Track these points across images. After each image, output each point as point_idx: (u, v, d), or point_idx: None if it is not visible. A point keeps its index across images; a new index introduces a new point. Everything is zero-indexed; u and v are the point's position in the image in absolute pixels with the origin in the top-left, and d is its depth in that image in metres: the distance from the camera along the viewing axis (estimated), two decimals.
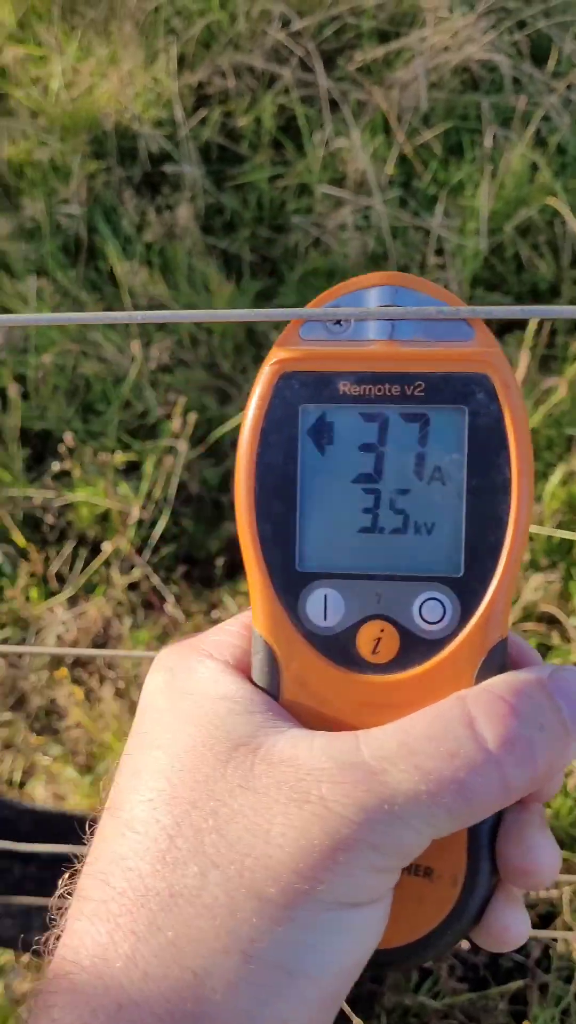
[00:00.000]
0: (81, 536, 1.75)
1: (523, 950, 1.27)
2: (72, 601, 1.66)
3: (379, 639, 0.36)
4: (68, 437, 1.57)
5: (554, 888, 1.31)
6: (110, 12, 2.36)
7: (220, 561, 1.74)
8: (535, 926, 1.30)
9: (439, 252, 2.00)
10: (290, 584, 0.36)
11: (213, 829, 0.31)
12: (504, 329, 1.97)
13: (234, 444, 1.86)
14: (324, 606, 0.36)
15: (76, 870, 0.35)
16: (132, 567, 1.68)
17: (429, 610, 0.35)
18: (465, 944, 1.22)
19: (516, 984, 1.18)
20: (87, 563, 1.70)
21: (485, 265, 2.00)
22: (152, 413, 1.86)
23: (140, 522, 1.73)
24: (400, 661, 0.35)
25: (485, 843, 0.36)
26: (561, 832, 1.36)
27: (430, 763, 0.31)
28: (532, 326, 1.73)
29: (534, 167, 2.04)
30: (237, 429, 1.83)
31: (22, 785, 1.46)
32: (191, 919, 0.30)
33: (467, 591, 0.35)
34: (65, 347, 1.92)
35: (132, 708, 1.45)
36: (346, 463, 0.36)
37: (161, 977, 0.29)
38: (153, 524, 1.75)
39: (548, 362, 1.89)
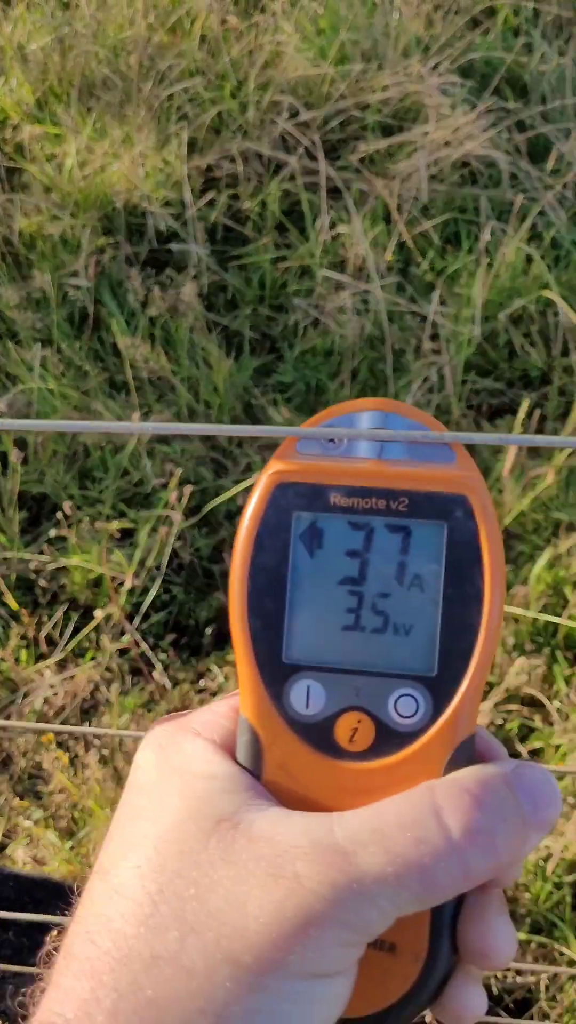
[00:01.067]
0: (73, 600, 1.77)
1: None
2: (61, 665, 1.67)
3: (356, 729, 0.38)
4: (67, 505, 1.60)
5: (531, 975, 1.31)
6: (125, 96, 2.46)
7: (209, 630, 1.76)
8: (512, 1014, 1.29)
9: (434, 338, 2.06)
10: (276, 674, 0.38)
11: (194, 898, 0.33)
12: (495, 414, 2.03)
13: (228, 515, 1.89)
14: (307, 696, 0.38)
15: (64, 928, 0.37)
16: (122, 633, 1.70)
17: (404, 705, 0.38)
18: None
19: None
20: (78, 628, 1.72)
21: (478, 351, 2.06)
22: (148, 482, 1.89)
23: (132, 589, 1.75)
24: (375, 750, 0.38)
25: (447, 923, 0.38)
26: (539, 917, 1.36)
27: (398, 848, 0.33)
28: (521, 414, 1.78)
29: (529, 259, 2.11)
30: (231, 500, 1.87)
31: (2, 848, 1.46)
32: (170, 980, 0.32)
33: (439, 689, 0.37)
34: (67, 414, 1.96)
35: (116, 775, 1.46)
36: (333, 567, 0.39)
37: None
38: (145, 591, 1.77)
39: (538, 449, 1.94)
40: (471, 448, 1.94)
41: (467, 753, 0.38)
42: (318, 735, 0.38)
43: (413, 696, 0.38)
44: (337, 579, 0.38)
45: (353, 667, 0.38)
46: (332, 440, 0.39)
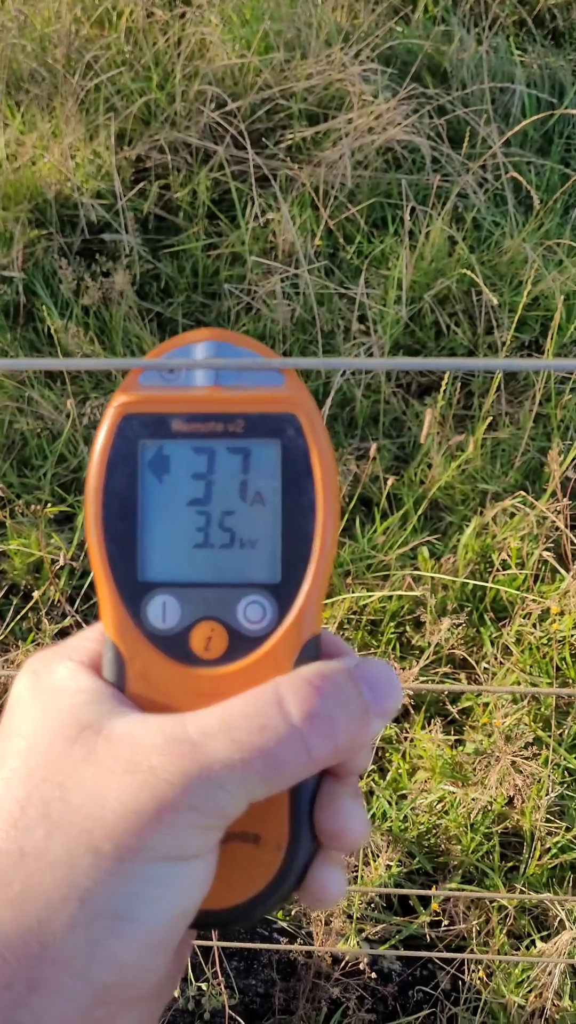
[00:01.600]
0: (13, 585, 1.80)
1: (432, 982, 1.32)
2: (3, 648, 1.70)
3: (210, 637, 0.41)
4: (0, 487, 1.63)
5: (462, 922, 1.37)
6: (53, 89, 2.48)
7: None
8: (444, 959, 1.35)
9: (362, 319, 2.11)
10: (133, 593, 0.41)
11: (59, 798, 0.36)
12: (424, 392, 2.08)
13: None
14: (163, 610, 0.41)
15: None
16: (63, 616, 1.73)
17: (252, 611, 0.41)
18: (374, 975, 1.26)
19: (424, 1014, 1.23)
20: (18, 612, 1.75)
21: (406, 331, 2.11)
22: (85, 468, 1.92)
23: (72, 572, 1.78)
24: (228, 656, 0.41)
25: (305, 812, 0.41)
26: (471, 867, 1.41)
27: (243, 736, 0.36)
28: (443, 386, 1.83)
29: (452, 241, 2.17)
30: None
31: None
32: (36, 874, 0.35)
33: (283, 595, 0.41)
34: (2, 403, 1.98)
35: None
36: (181, 489, 0.42)
37: (10, 924, 0.34)
38: (84, 574, 1.80)
39: (464, 421, 2.00)
40: (399, 422, 1.98)
41: (313, 652, 0.41)
42: (175, 646, 0.41)
43: (260, 603, 0.41)
44: (185, 501, 0.41)
45: (204, 581, 0.41)
46: (171, 371, 0.42)
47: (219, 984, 1.07)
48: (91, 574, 1.77)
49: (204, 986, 1.09)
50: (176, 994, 1.12)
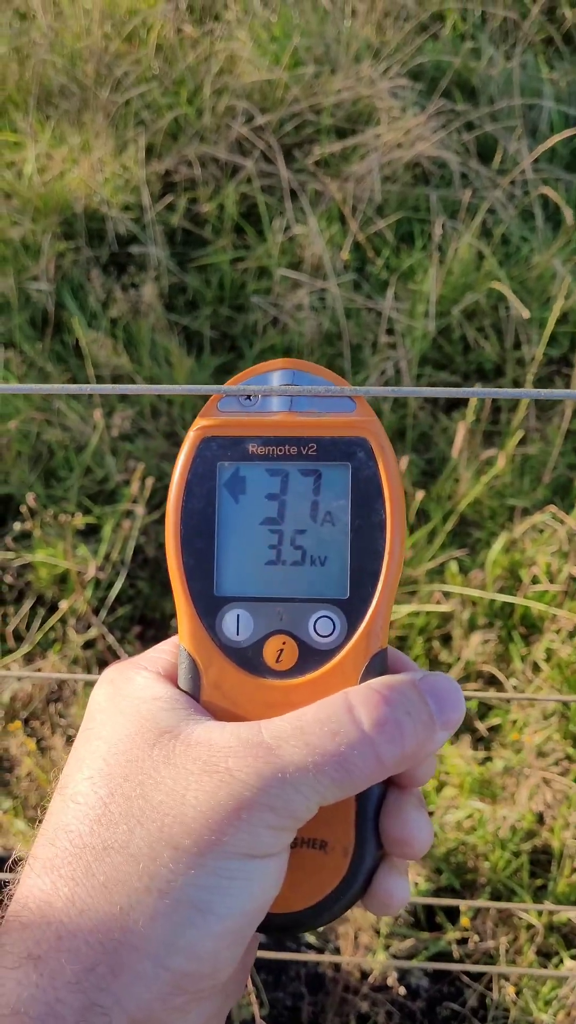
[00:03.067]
0: (39, 596, 1.80)
1: (460, 998, 1.30)
2: (28, 658, 1.70)
3: (282, 650, 0.43)
4: (30, 497, 1.63)
5: (490, 939, 1.35)
6: (83, 104, 2.50)
7: (174, 622, 1.79)
8: (471, 976, 1.33)
9: (390, 332, 2.11)
10: (209, 606, 0.43)
11: (140, 796, 0.38)
12: (451, 406, 2.08)
13: None
14: (237, 624, 0.43)
15: (28, 852, 0.41)
16: (89, 626, 1.73)
17: (322, 626, 0.43)
18: (402, 990, 1.25)
19: None
20: (44, 622, 1.75)
21: (433, 345, 2.11)
22: (112, 479, 1.92)
23: (97, 583, 1.78)
24: (299, 668, 0.43)
25: (371, 819, 0.42)
26: (499, 884, 1.40)
27: (316, 741, 0.38)
28: (473, 403, 1.83)
29: (480, 255, 2.17)
30: None
31: None
32: (119, 866, 0.36)
33: (352, 610, 0.43)
34: (30, 415, 1.99)
35: None
36: (255, 509, 0.44)
37: (94, 912, 0.36)
38: (110, 586, 1.80)
39: (492, 437, 1.99)
40: (427, 437, 1.98)
41: (379, 665, 0.43)
42: (248, 658, 0.43)
43: (330, 617, 0.43)
44: (259, 520, 0.44)
45: (276, 596, 0.43)
46: (248, 397, 0.44)
47: (250, 994, 1.07)
48: (120, 587, 1.78)
49: None
50: None
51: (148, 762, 0.39)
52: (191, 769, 0.38)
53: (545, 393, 0.47)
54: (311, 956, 0.88)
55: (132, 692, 0.42)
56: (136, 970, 0.35)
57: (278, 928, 0.43)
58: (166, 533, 0.44)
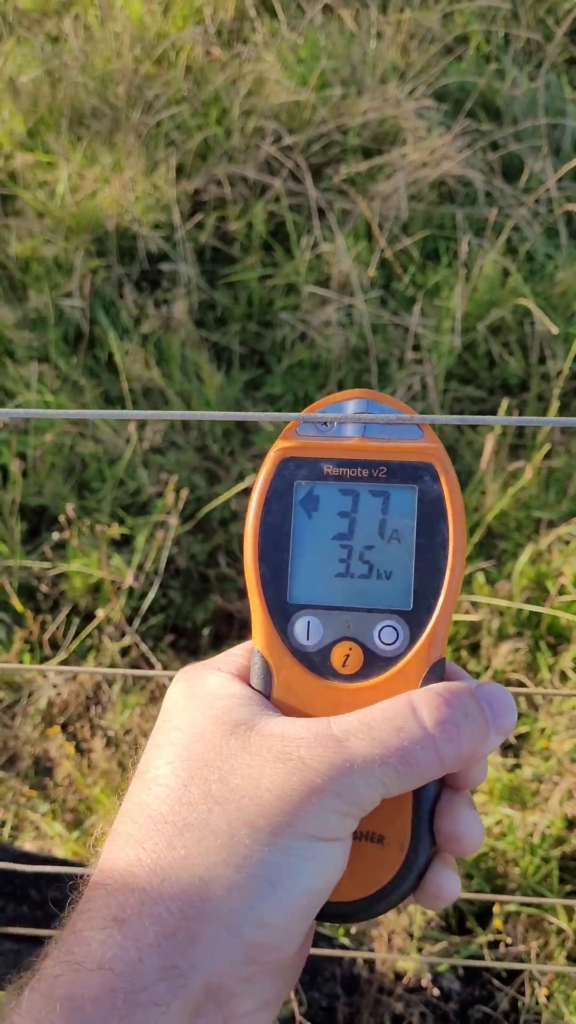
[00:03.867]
0: (74, 606, 1.84)
1: (490, 1001, 1.32)
2: (65, 666, 1.73)
3: (348, 655, 0.46)
4: (70, 508, 1.67)
5: (521, 944, 1.37)
6: (114, 125, 2.55)
7: (206, 631, 1.82)
8: (503, 980, 1.35)
9: (416, 348, 2.14)
10: (282, 613, 0.47)
11: (218, 780, 0.41)
12: None
13: (222, 522, 1.97)
14: (307, 630, 0.47)
15: (104, 832, 0.45)
16: (123, 635, 1.76)
17: (386, 634, 0.46)
18: (436, 992, 1.27)
19: None
20: (79, 632, 1.78)
21: (459, 361, 2.15)
22: (144, 491, 1.96)
23: (131, 592, 1.81)
24: (363, 672, 0.46)
25: (426, 817, 0.45)
26: (529, 890, 1.42)
27: (382, 736, 0.41)
28: (501, 414, 1.86)
29: (505, 272, 2.20)
30: (224, 507, 1.94)
31: (11, 841, 1.51)
32: (200, 841, 0.40)
33: (415, 621, 0.46)
34: (64, 428, 2.03)
35: (121, 761, 1.52)
36: (328, 525, 0.47)
37: (175, 881, 0.39)
38: (143, 596, 1.83)
39: (518, 451, 2.02)
40: (453, 450, 2.01)
41: (438, 673, 0.46)
42: (317, 661, 0.46)
43: (394, 627, 0.46)
44: (331, 535, 0.47)
45: (344, 605, 0.47)
46: (325, 423, 0.48)
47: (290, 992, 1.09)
48: (153, 596, 1.82)
49: None
50: None
51: (226, 750, 0.42)
52: (266, 757, 0.41)
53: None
54: (348, 953, 0.91)
55: (208, 689, 0.46)
56: (213, 938, 0.38)
57: (337, 916, 0.46)
58: (245, 544, 0.48)
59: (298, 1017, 1.03)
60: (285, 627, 0.47)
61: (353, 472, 0.47)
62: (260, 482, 0.48)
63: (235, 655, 0.49)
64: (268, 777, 0.40)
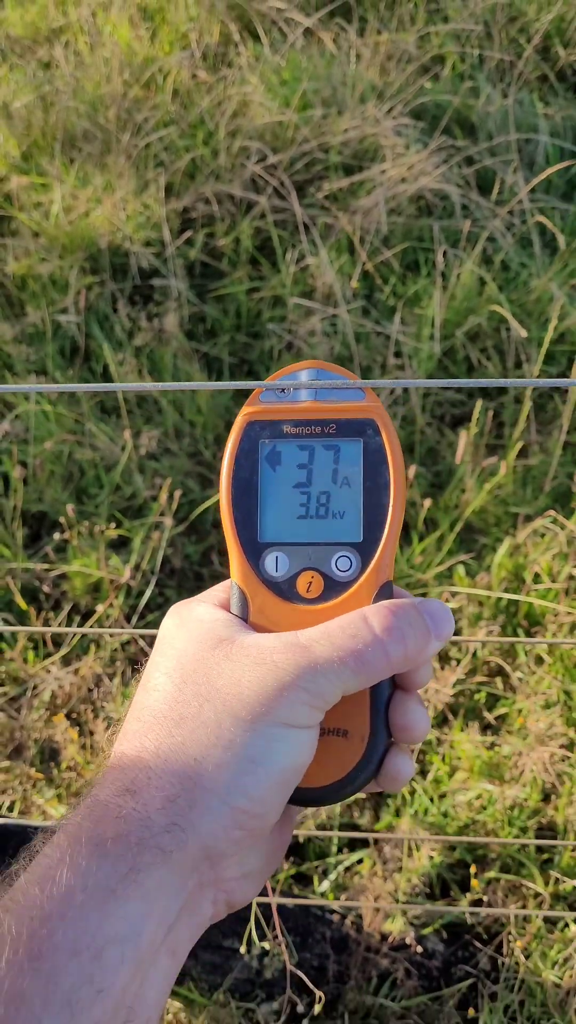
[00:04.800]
0: (74, 604, 1.93)
1: (472, 960, 1.41)
2: (66, 661, 1.82)
3: (311, 583, 0.55)
4: (70, 508, 1.76)
5: (501, 907, 1.46)
6: (105, 147, 2.66)
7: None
8: (482, 941, 1.44)
9: (398, 355, 2.24)
10: (254, 550, 0.56)
11: (206, 682, 0.50)
12: (457, 422, 2.21)
13: (214, 524, 2.06)
14: (276, 563, 0.56)
15: (116, 731, 0.54)
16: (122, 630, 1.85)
17: (341, 563, 0.55)
18: (419, 948, 1.36)
19: (466, 983, 1.32)
20: (81, 628, 1.87)
21: (439, 366, 2.24)
22: (139, 495, 2.06)
23: (128, 591, 1.90)
24: (324, 596, 0.55)
25: (382, 712, 0.54)
26: (508, 858, 1.51)
27: (339, 641, 0.50)
28: (475, 415, 1.96)
29: (481, 281, 2.30)
30: (216, 509, 2.03)
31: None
32: (193, 730, 0.49)
33: (365, 551, 0.55)
34: (62, 437, 2.13)
35: None
36: (289, 476, 0.56)
37: (175, 762, 0.48)
38: (140, 594, 1.92)
39: (495, 450, 2.12)
40: (434, 450, 2.09)
41: (386, 594, 0.55)
42: (285, 589, 0.56)
43: (348, 556, 0.55)
44: (292, 484, 0.56)
45: (306, 541, 0.56)
46: (283, 390, 0.57)
47: (280, 945, 1.18)
48: (145, 594, 1.91)
49: (267, 945, 1.20)
50: (243, 950, 1.22)
51: (212, 659, 0.51)
52: (245, 663, 0.50)
53: (542, 382, 0.60)
54: (342, 903, 1.00)
55: (195, 616, 0.55)
56: (207, 804, 0.46)
57: (312, 800, 0.55)
58: (220, 495, 0.57)
59: (289, 967, 1.12)
60: (257, 562, 0.55)
61: (308, 430, 0.56)
62: (231, 442, 0.57)
63: (216, 591, 0.58)
64: (247, 678, 0.49)
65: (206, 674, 0.50)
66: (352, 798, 0.54)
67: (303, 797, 0.54)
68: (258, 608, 0.55)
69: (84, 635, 1.85)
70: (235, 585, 0.56)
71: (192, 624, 0.54)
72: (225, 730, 0.48)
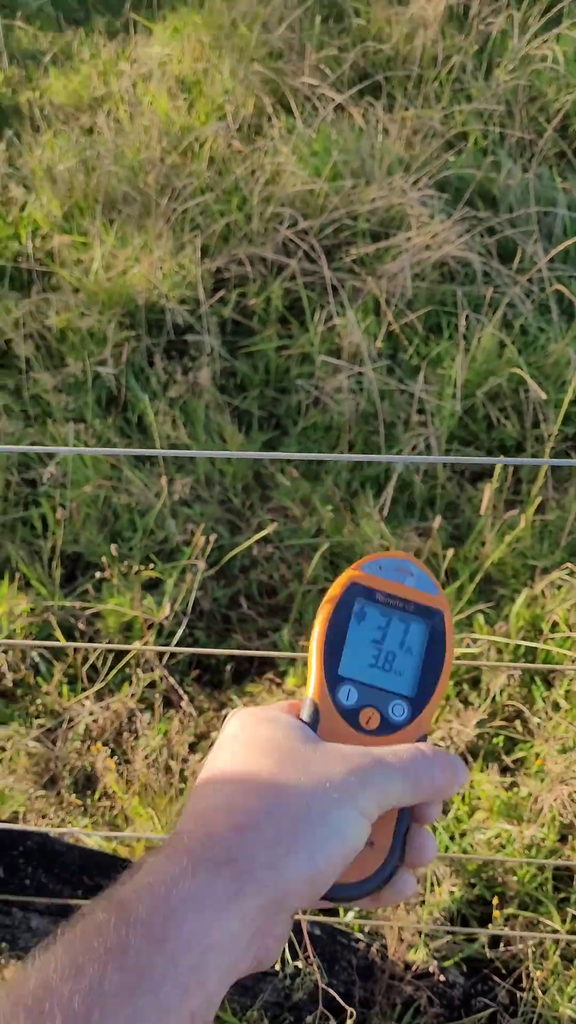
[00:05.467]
0: (109, 641, 2.00)
1: (490, 993, 1.46)
2: (99, 696, 1.90)
3: (371, 717, 0.66)
4: (113, 548, 1.85)
5: (520, 943, 1.51)
6: (144, 210, 2.80)
7: (228, 667, 1.98)
8: (500, 976, 1.49)
9: (421, 411, 2.35)
10: (333, 679, 0.68)
11: (303, 766, 0.59)
12: (476, 478, 2.30)
13: (242, 569, 2.14)
14: (348, 694, 0.67)
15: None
16: (152, 669, 1.93)
17: (396, 709, 0.67)
18: (442, 977, 1.41)
19: (486, 1013, 1.37)
20: (114, 665, 1.95)
21: (460, 424, 2.34)
22: (172, 539, 2.14)
23: (160, 630, 1.98)
24: (379, 731, 0.66)
25: (400, 835, 0.64)
26: (526, 896, 1.56)
27: (404, 756, 0.61)
28: (497, 472, 2.05)
29: (501, 344, 2.41)
30: (245, 555, 2.12)
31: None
32: (293, 805, 0.57)
33: (415, 705, 0.67)
34: (98, 483, 2.22)
35: (163, 768, 1.67)
36: (370, 632, 0.69)
37: (278, 813, 0.56)
38: (171, 634, 2.00)
39: (514, 505, 2.21)
40: (455, 504, 2.18)
41: (424, 740, 0.67)
42: (350, 716, 0.67)
43: (402, 705, 0.67)
44: (371, 639, 0.69)
45: (373, 684, 0.68)
46: (380, 567, 0.71)
47: (312, 965, 1.24)
48: (176, 634, 1.99)
49: (300, 964, 1.26)
50: (278, 967, 1.28)
51: (305, 750, 0.61)
52: (334, 757, 0.60)
53: (556, 461, 0.69)
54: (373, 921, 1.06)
55: (272, 717, 0.64)
56: (297, 856, 0.54)
57: (336, 895, 0.64)
58: (314, 631, 0.68)
59: (321, 985, 1.17)
60: (334, 689, 0.67)
61: (392, 603, 0.69)
62: (335, 590, 0.70)
63: (280, 706, 0.68)
64: (336, 769, 0.59)
65: (303, 759, 0.60)
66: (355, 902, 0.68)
67: (331, 894, 0.63)
68: (327, 727, 0.66)
69: (118, 671, 1.93)
70: (311, 701, 0.67)
71: (272, 722, 0.63)
72: (318, 802, 0.57)
